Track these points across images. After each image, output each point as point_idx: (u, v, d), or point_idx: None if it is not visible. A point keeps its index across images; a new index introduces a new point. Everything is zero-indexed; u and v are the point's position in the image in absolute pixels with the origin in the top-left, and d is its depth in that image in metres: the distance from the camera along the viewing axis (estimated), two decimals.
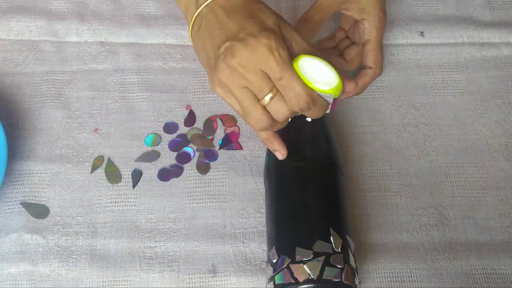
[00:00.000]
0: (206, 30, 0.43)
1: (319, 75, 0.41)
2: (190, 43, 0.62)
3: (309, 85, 0.41)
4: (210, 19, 0.43)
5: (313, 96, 0.41)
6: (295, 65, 0.40)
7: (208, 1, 0.43)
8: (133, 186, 0.54)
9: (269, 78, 0.41)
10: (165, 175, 0.54)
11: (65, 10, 0.64)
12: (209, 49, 0.43)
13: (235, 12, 0.42)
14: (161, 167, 0.55)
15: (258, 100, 0.42)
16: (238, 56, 0.40)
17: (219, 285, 0.49)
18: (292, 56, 0.41)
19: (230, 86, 0.41)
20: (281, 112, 0.42)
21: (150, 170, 0.54)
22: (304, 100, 0.40)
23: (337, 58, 0.58)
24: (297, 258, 0.41)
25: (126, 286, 0.49)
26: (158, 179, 0.54)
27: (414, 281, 0.49)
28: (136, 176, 0.54)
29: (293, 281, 0.41)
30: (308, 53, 0.42)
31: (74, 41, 0.62)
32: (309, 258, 0.41)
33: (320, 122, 0.49)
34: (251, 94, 0.41)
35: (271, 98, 0.41)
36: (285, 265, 0.42)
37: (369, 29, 0.53)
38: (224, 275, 0.49)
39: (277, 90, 0.41)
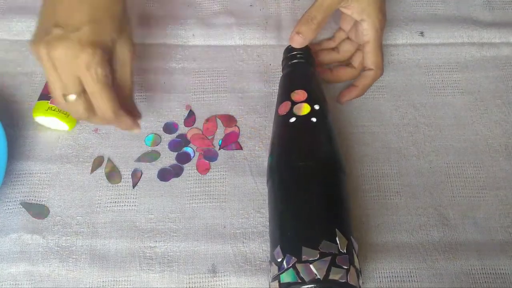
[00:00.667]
0: None
1: (53, 123, 0.55)
2: (190, 43, 0.62)
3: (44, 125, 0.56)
4: None
5: (117, 114, 0.45)
6: (35, 118, 0.54)
7: None
8: (133, 186, 0.54)
9: (80, 83, 0.42)
10: (165, 175, 0.54)
11: None
12: (45, 14, 0.44)
13: (88, 1, 0.43)
14: (161, 167, 0.55)
15: (64, 94, 0.43)
16: (59, 53, 0.41)
17: (219, 285, 0.49)
18: (114, 73, 0.45)
19: (45, 65, 0.42)
20: (77, 113, 0.44)
21: (150, 170, 0.54)
22: (108, 117, 0.45)
23: (346, 68, 0.58)
24: (304, 257, 0.41)
25: (126, 286, 0.49)
26: (158, 179, 0.54)
27: (414, 281, 0.49)
28: (136, 176, 0.54)
29: (299, 281, 0.41)
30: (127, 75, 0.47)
31: None
32: (316, 258, 0.41)
33: (324, 121, 0.50)
34: (60, 85, 0.43)
35: (74, 100, 0.43)
36: (291, 264, 0.42)
37: (368, 30, 0.53)
38: (224, 275, 0.49)
39: (83, 96, 0.43)
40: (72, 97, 0.43)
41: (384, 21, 0.54)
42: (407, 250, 0.50)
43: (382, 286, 0.49)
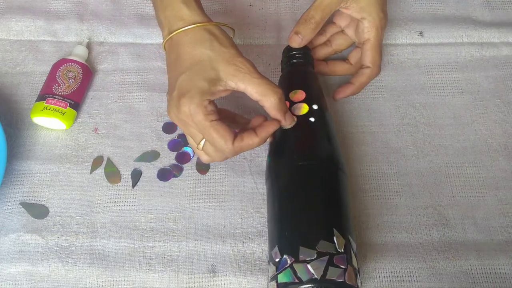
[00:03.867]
0: (166, 63, 0.49)
1: (50, 122, 0.55)
2: None
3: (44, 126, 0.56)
4: (168, 57, 0.48)
5: (236, 148, 0.45)
6: (32, 118, 0.55)
7: (166, 39, 0.47)
8: (133, 186, 0.54)
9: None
10: (164, 175, 0.54)
11: (64, 10, 0.64)
12: (168, 83, 0.48)
13: (182, 58, 0.46)
14: (160, 167, 0.55)
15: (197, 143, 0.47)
16: (170, 115, 0.46)
17: (219, 285, 0.49)
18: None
19: (177, 125, 0.48)
20: (213, 155, 0.47)
21: (150, 170, 0.54)
22: (228, 152, 0.45)
23: (342, 63, 0.58)
24: (301, 257, 0.41)
25: (125, 286, 0.49)
26: (158, 179, 0.54)
27: (414, 280, 0.49)
28: (136, 176, 0.54)
29: (297, 280, 0.41)
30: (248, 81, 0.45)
31: (74, 41, 0.62)
32: (313, 258, 0.41)
33: (322, 121, 0.50)
34: (189, 138, 0.48)
35: (204, 144, 0.47)
36: (288, 264, 0.42)
37: (368, 29, 0.53)
38: (224, 275, 0.49)
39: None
40: (201, 143, 0.47)
41: (385, 20, 0.54)
42: (407, 250, 0.50)
43: (382, 286, 0.49)
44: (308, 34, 0.53)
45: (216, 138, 0.44)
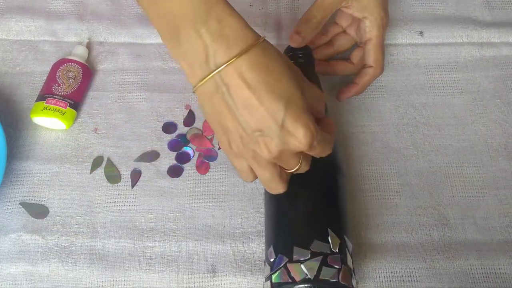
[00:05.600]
0: (224, 102, 0.37)
1: (50, 122, 0.55)
2: None
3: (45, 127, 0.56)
4: (230, 93, 0.37)
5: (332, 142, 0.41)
6: (32, 118, 0.55)
7: (223, 66, 0.36)
8: (132, 186, 0.54)
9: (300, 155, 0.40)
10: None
11: (64, 10, 0.64)
12: (230, 125, 0.38)
13: (260, 89, 0.36)
14: (160, 167, 0.55)
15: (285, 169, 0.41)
16: (275, 151, 0.37)
17: (219, 285, 0.49)
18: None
19: (252, 166, 0.40)
20: (305, 169, 0.42)
21: (150, 170, 0.54)
22: (330, 147, 0.41)
23: (344, 63, 0.58)
24: (295, 257, 0.41)
25: (125, 286, 0.49)
26: (158, 179, 0.54)
27: (414, 281, 0.49)
28: (135, 176, 0.54)
29: (290, 281, 0.41)
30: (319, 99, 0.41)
31: (74, 41, 0.62)
32: (307, 258, 0.41)
33: None
34: (277, 170, 0.40)
35: (299, 165, 0.41)
36: (282, 264, 0.42)
37: (370, 28, 0.53)
38: (224, 275, 0.49)
39: (302, 158, 0.41)
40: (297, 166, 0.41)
41: (387, 19, 0.54)
42: (407, 249, 0.50)
43: (381, 286, 0.49)
44: (309, 34, 0.53)
45: (329, 148, 0.40)
